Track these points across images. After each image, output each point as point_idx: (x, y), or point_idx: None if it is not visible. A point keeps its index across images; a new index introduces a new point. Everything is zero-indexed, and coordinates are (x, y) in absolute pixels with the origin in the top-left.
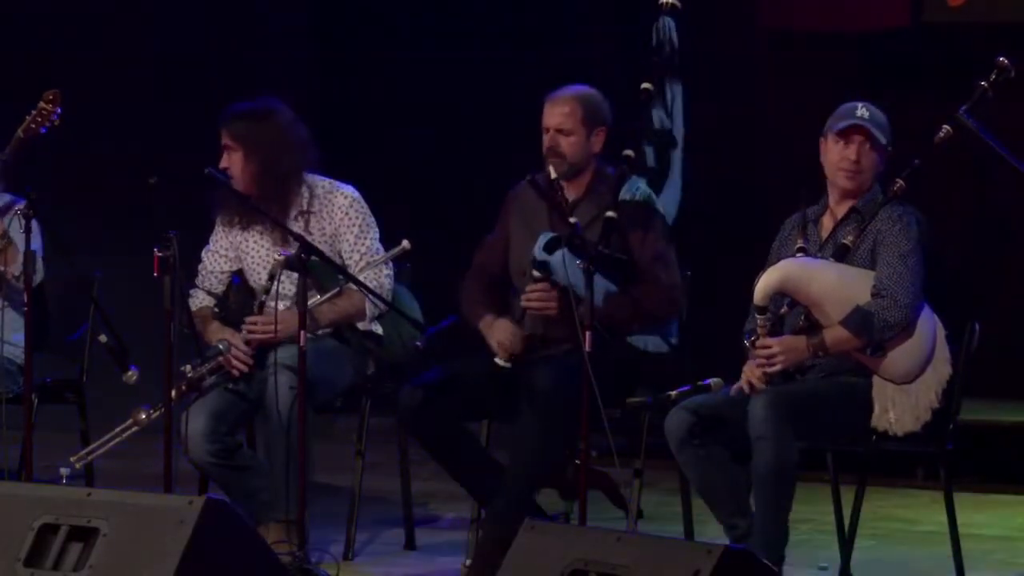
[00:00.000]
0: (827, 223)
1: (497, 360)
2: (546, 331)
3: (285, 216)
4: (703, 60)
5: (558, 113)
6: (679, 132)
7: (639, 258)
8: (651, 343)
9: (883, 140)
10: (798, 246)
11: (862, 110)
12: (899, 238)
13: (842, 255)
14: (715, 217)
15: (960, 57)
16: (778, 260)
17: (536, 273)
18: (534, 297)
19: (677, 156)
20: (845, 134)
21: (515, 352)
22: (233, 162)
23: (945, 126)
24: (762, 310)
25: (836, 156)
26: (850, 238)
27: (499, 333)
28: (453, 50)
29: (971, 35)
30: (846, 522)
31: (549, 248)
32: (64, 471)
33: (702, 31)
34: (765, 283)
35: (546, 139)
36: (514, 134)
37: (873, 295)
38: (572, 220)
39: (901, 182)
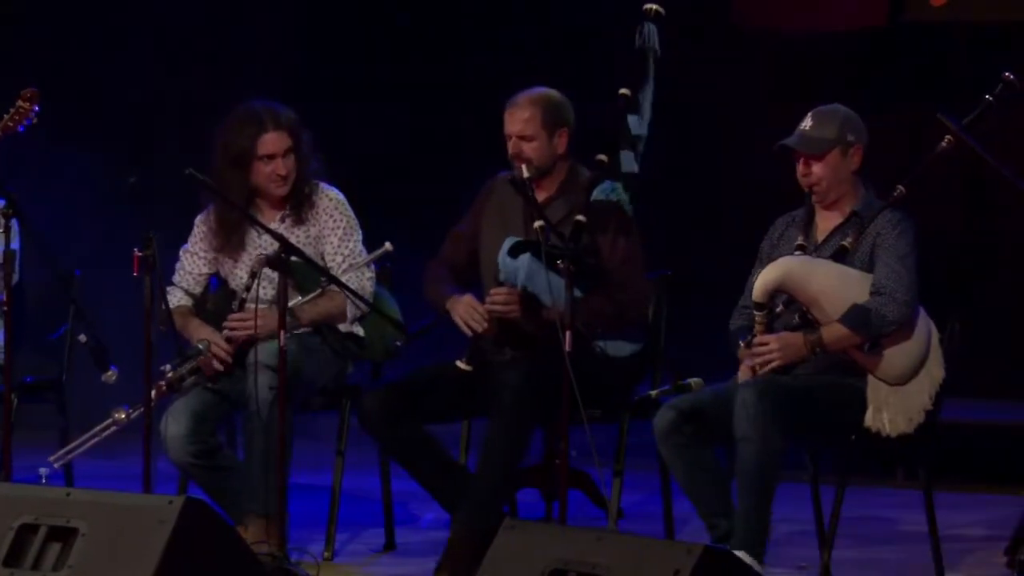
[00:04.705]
0: (821, 225)
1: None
2: (499, 334)
3: (271, 217)
4: (678, 60)
5: (518, 120)
6: (642, 138)
7: (608, 261)
8: (615, 347)
9: (820, 148)
10: (798, 243)
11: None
12: (898, 241)
13: (841, 256)
14: (689, 216)
15: (941, 57)
16: (772, 258)
17: (502, 277)
18: (499, 300)
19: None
20: (791, 153)
21: (478, 328)
22: (288, 166)
23: (948, 137)
24: (760, 307)
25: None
26: (849, 239)
27: (461, 309)
28: (437, 52)
29: (952, 35)
30: (826, 521)
31: (514, 252)
32: (43, 471)
33: (676, 31)
34: (765, 280)
35: (510, 146)
36: (497, 133)
37: (872, 293)
38: (537, 224)
39: (902, 188)
